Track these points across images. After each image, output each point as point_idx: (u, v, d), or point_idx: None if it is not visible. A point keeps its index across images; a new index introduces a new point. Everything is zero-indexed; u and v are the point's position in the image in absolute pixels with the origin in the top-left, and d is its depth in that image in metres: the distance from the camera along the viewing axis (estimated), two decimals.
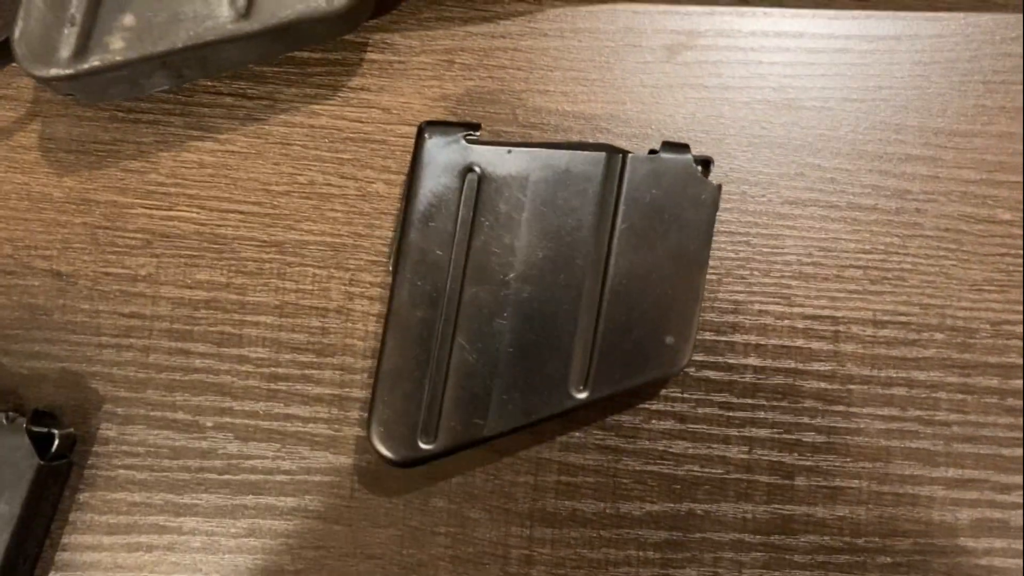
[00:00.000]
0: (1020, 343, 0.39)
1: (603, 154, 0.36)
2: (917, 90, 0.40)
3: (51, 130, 0.40)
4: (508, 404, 0.35)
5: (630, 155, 0.36)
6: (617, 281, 0.36)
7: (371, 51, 0.40)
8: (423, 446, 0.35)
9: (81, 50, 0.34)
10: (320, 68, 0.40)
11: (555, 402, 0.36)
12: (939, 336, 0.39)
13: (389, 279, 0.39)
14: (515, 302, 0.36)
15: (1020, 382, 0.39)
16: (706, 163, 0.36)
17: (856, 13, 0.40)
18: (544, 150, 0.36)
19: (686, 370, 0.39)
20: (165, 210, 0.40)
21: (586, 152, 0.36)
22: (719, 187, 0.36)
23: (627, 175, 0.36)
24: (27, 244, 0.40)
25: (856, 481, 0.38)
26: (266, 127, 0.40)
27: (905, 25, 0.40)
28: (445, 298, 0.36)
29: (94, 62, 0.34)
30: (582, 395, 0.36)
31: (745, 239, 0.39)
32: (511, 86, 0.40)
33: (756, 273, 0.39)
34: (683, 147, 0.36)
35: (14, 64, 0.37)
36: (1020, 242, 0.39)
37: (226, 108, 0.40)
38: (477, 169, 0.36)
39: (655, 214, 0.36)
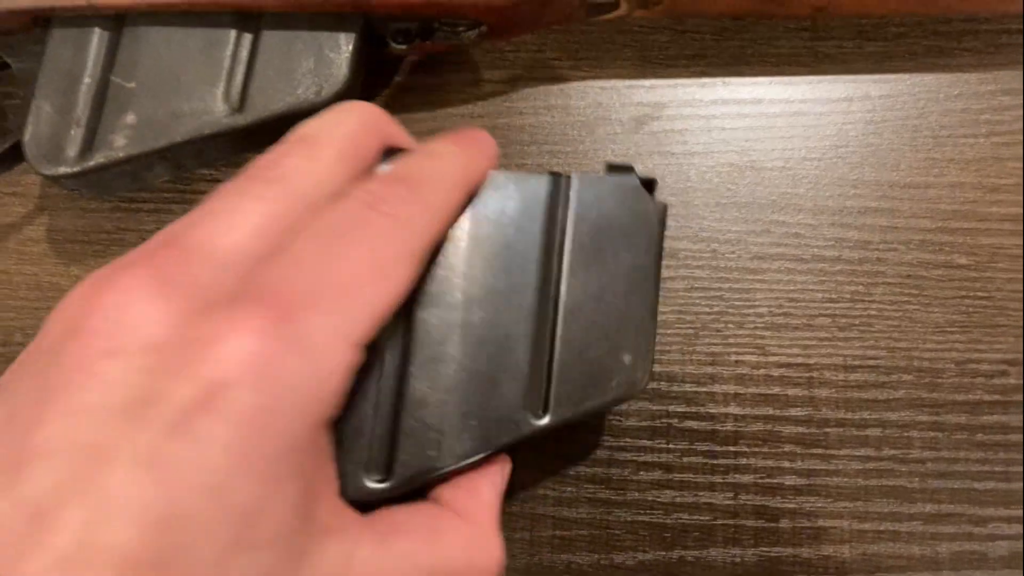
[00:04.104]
0: (984, 380, 0.41)
1: (547, 175, 0.35)
2: (871, 147, 0.43)
3: (58, 223, 0.43)
4: (463, 432, 0.33)
5: (575, 175, 0.35)
6: (569, 301, 0.34)
7: None
8: (371, 485, 0.32)
9: (87, 148, 0.36)
10: None
11: (513, 428, 0.33)
12: (907, 377, 0.41)
13: None
14: (465, 325, 0.34)
15: (988, 418, 0.41)
16: (650, 184, 0.35)
17: (810, 79, 0.43)
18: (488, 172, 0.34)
19: (670, 421, 0.41)
20: None
21: (531, 174, 0.35)
22: (665, 205, 0.35)
23: (572, 196, 0.35)
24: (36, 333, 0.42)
25: (838, 521, 0.40)
26: None
27: (856, 87, 0.43)
28: (392, 324, 0.32)
29: (99, 159, 0.36)
30: (542, 421, 0.34)
31: (719, 294, 0.42)
32: None
33: (731, 326, 0.41)
34: (627, 168, 0.35)
35: (23, 163, 0.39)
36: (977, 285, 0.41)
37: None
38: None
39: (603, 233, 0.35)
